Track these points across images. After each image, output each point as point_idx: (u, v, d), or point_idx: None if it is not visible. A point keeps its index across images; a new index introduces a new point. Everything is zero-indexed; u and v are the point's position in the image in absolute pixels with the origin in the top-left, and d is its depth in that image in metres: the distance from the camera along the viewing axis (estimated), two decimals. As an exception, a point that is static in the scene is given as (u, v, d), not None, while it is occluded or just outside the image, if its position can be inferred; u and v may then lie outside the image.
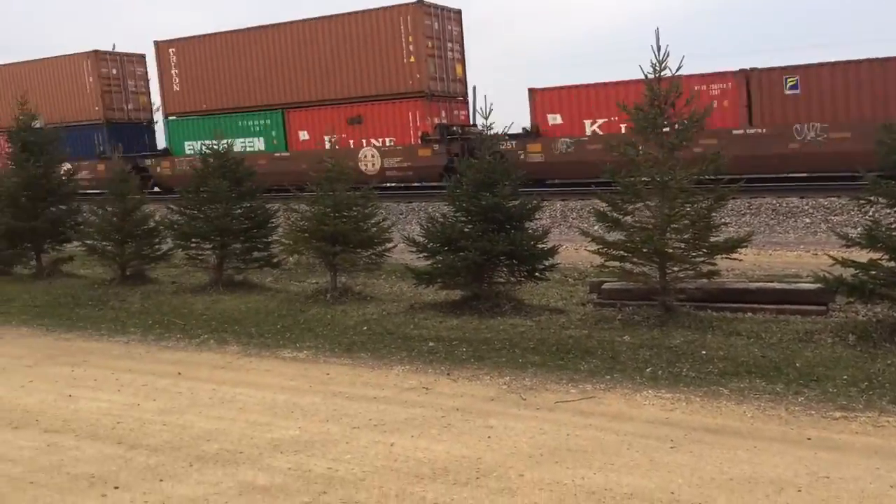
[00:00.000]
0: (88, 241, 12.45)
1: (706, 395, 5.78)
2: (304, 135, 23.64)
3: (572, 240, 13.17)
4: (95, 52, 27.41)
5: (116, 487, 4.63)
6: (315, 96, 23.23)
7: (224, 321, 9.39)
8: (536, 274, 8.98)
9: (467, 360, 7.14)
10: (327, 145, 13.87)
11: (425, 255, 9.27)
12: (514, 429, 5.36)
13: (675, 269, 7.82)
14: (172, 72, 25.69)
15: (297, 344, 8.18)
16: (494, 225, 8.69)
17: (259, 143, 24.40)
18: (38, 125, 13.85)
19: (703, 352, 6.70)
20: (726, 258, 7.86)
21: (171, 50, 25.60)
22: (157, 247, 12.37)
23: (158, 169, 25.88)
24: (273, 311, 9.82)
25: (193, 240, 11.51)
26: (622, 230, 7.91)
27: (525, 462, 4.76)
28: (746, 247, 8.01)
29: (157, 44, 25.95)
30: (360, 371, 7.07)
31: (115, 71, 27.85)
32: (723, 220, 8.81)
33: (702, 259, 7.69)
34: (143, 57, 28.48)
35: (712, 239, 7.74)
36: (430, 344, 7.71)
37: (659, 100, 7.67)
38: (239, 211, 11.32)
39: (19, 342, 8.89)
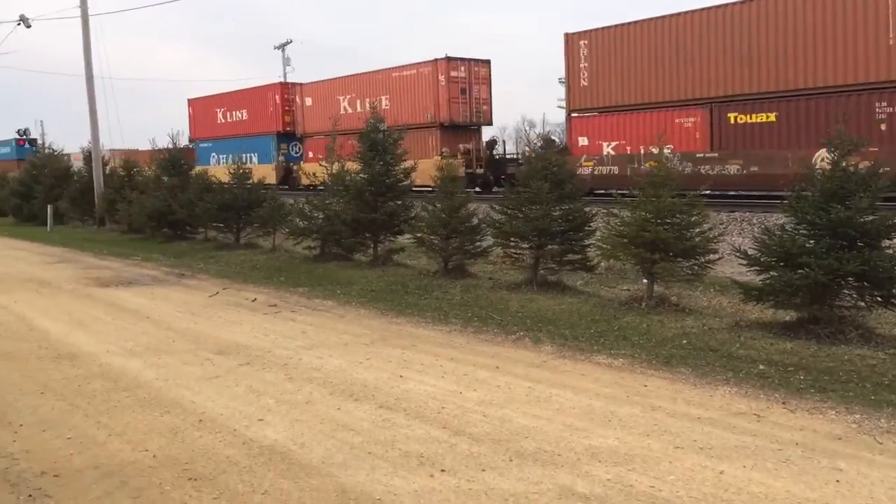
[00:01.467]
0: (418, 234, 13.42)
1: None
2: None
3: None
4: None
5: (443, 470, 4.82)
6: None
7: (538, 320, 9.50)
8: (893, 300, 7.79)
9: (805, 389, 6.38)
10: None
11: (756, 269, 8.53)
12: (868, 476, 4.63)
13: None
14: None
15: (611, 350, 7.98)
16: (843, 241, 7.71)
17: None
18: (383, 127, 15.30)
19: None
20: None
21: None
22: (477, 243, 12.96)
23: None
24: (586, 314, 9.73)
25: (512, 239, 11.86)
26: None
27: (886, 518, 4.07)
28: None
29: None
30: (680, 387, 6.67)
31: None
32: None
33: None
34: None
35: None
36: (761, 367, 7.05)
37: None
38: (558, 213, 11.41)
39: (359, 322, 9.82)
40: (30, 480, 4.72)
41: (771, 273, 8.25)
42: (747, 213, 18.33)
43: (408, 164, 15.36)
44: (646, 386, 6.71)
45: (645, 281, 10.15)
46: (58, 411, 6.11)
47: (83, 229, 26.46)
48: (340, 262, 14.93)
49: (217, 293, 12.18)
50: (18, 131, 60.32)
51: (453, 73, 29.78)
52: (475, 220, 13.01)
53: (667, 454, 5.05)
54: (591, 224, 11.59)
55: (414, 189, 16.67)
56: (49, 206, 27.36)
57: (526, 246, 11.82)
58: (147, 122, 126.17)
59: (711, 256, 9.76)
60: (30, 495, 4.51)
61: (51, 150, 33.29)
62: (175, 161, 22.30)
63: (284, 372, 7.26)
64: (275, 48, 61.39)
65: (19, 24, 30.69)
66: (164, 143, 23.05)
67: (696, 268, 9.73)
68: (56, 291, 12.57)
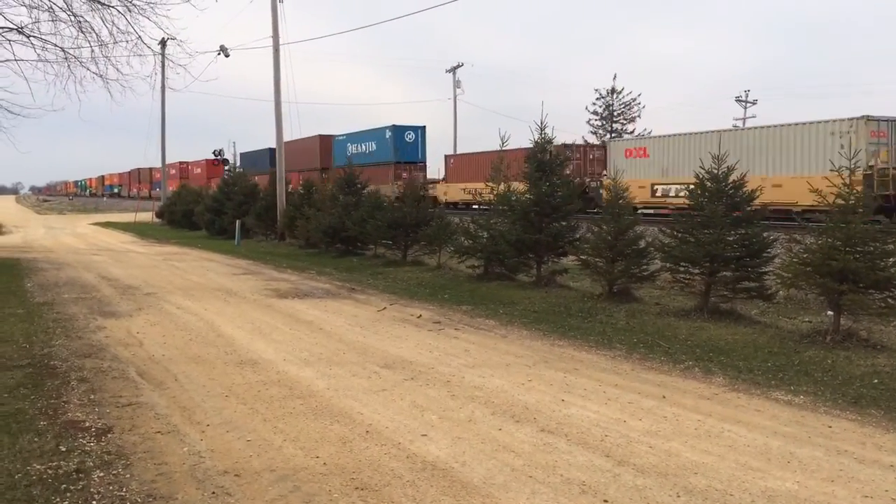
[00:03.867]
0: (583, 256, 13.24)
1: None
2: None
3: None
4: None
5: (605, 501, 4.69)
6: None
7: (709, 350, 9.06)
8: None
9: None
10: None
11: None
12: None
13: None
14: None
15: (791, 386, 7.46)
16: None
17: None
18: (550, 147, 15.28)
19: None
20: None
21: None
22: (644, 267, 12.59)
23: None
24: (762, 346, 9.17)
25: (682, 263, 11.42)
26: None
27: None
28: None
29: None
30: (870, 430, 6.11)
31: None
32: None
33: None
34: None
35: None
36: (967, 414, 6.32)
37: None
38: (732, 238, 10.86)
39: (521, 342, 9.80)
40: (214, 478, 5.08)
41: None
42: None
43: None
44: (830, 427, 6.20)
45: (830, 313, 9.41)
46: (240, 414, 6.54)
47: (266, 243, 28.37)
48: (503, 282, 15.01)
49: (385, 308, 12.62)
50: (214, 152, 65.74)
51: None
52: (642, 243, 12.66)
53: (853, 503, 4.63)
54: (770, 250, 10.93)
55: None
56: (237, 221, 29.56)
57: (697, 271, 11.34)
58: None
59: (909, 288, 8.89)
60: (213, 493, 4.85)
61: (240, 170, 36.00)
62: (350, 180, 23.41)
63: (447, 389, 7.38)
64: (446, 71, 62.92)
65: (219, 54, 33.58)
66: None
67: (890, 300, 8.90)
68: (241, 301, 13.53)
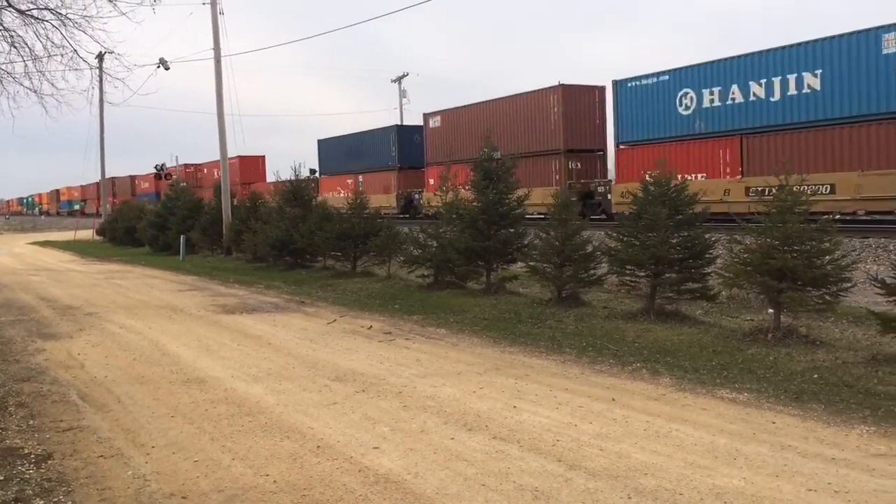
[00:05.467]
0: (532, 263, 13.34)
1: None
2: None
3: None
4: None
5: (558, 506, 4.71)
6: None
7: (656, 351, 9.21)
8: None
9: (956, 431, 5.87)
10: None
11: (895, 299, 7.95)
12: None
13: None
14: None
15: (735, 384, 7.62)
16: None
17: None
18: (497, 155, 15.38)
19: None
20: None
21: None
22: (591, 271, 12.74)
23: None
24: (707, 345, 9.35)
25: (628, 266, 11.59)
26: None
27: None
28: None
29: None
30: (812, 425, 6.27)
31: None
32: None
33: None
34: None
35: None
36: (903, 405, 6.54)
37: None
38: (676, 240, 11.08)
39: (472, 350, 9.82)
40: (159, 502, 4.95)
41: (913, 303, 7.67)
42: (883, 240, 17.18)
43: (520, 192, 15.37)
44: (774, 423, 6.35)
45: (770, 311, 9.66)
46: (186, 434, 6.40)
47: (212, 258, 27.89)
48: (453, 290, 15.03)
49: (335, 320, 12.51)
50: (156, 167, 64.48)
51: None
52: (589, 248, 12.81)
53: (798, 497, 4.75)
54: (712, 251, 11.17)
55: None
56: (182, 236, 29.02)
57: (642, 274, 11.53)
58: (274, 155, 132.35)
59: (844, 285, 9.18)
60: (160, 515, 4.72)
61: (184, 184, 35.38)
62: (297, 192, 23.19)
63: (399, 400, 7.34)
64: (392, 81, 62.97)
65: (159, 67, 32.97)
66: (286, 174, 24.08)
67: (827, 297, 9.18)
68: (186, 318, 13.27)
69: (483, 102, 34.83)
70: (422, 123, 38.99)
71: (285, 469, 5.46)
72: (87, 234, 48.18)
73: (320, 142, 48.15)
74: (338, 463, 5.56)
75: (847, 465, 5.29)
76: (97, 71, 24.69)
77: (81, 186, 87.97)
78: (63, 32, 12.27)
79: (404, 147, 40.28)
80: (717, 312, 11.64)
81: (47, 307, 14.96)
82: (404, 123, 47.75)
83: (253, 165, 56.70)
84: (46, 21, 12.17)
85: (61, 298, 16.38)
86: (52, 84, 13.19)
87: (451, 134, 35.97)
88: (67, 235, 49.70)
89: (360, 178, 42.34)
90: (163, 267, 24.79)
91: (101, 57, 23.59)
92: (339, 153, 45.66)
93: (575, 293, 12.87)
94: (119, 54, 19.90)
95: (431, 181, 36.66)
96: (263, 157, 57.74)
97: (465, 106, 36.14)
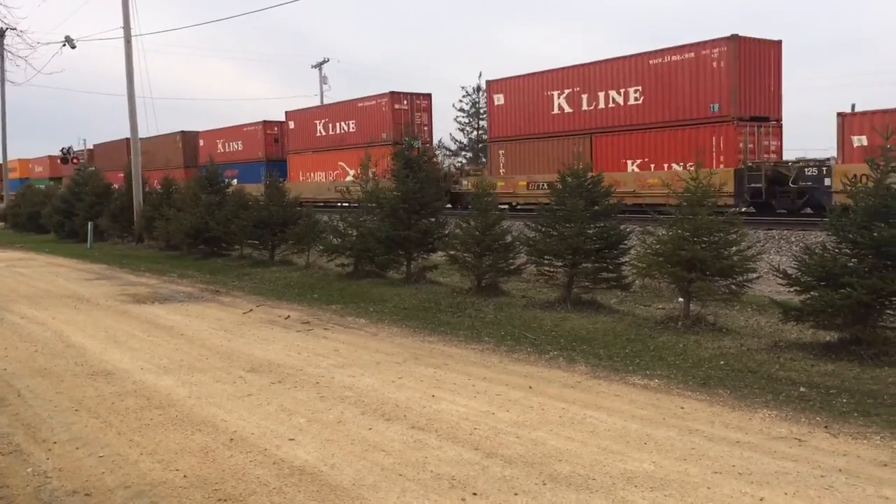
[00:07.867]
0: (452, 252, 13.38)
1: None
2: None
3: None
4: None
5: (475, 494, 4.73)
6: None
7: (572, 339, 9.39)
8: (941, 321, 7.55)
9: (849, 413, 6.19)
10: None
11: (796, 289, 8.32)
12: (917, 506, 4.45)
13: None
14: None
15: (646, 371, 7.84)
16: (888, 261, 7.49)
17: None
18: (417, 144, 15.35)
19: None
20: None
21: None
22: (511, 261, 12.87)
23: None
24: (621, 333, 9.59)
25: (546, 256, 11.76)
26: None
27: (938, 552, 3.89)
28: None
29: None
30: (718, 409, 6.50)
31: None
32: None
33: None
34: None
35: None
36: (801, 389, 6.86)
37: None
38: (592, 231, 11.30)
39: (391, 340, 9.78)
40: (61, 499, 4.73)
41: (811, 293, 8.05)
42: (785, 232, 17.97)
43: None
44: (682, 408, 6.56)
45: (681, 300, 9.98)
46: (91, 429, 6.14)
47: (122, 246, 26.91)
48: (373, 280, 14.94)
49: (251, 310, 12.25)
50: (62, 149, 61.71)
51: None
52: (509, 238, 12.94)
53: (705, 479, 4.91)
54: (627, 242, 11.45)
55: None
56: (90, 223, 27.87)
57: (560, 264, 11.72)
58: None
59: (749, 275, 9.56)
60: (62, 514, 4.52)
61: (92, 169, 33.96)
62: (212, 178, 22.58)
63: (316, 391, 7.24)
64: (312, 67, 61.89)
65: (64, 46, 31.50)
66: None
67: (733, 287, 9.54)
68: (93, 308, 12.75)
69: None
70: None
71: (196, 463, 5.30)
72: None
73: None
74: (252, 456, 5.44)
75: (750, 447, 5.51)
76: (-3, 48, 23.39)
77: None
78: (-42, 6, 11.54)
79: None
80: (630, 301, 11.95)
81: (-59, 297, 14.13)
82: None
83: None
84: (-61, -8, 11.42)
85: (-43, 288, 15.49)
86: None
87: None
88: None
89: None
90: (69, 255, 23.77)
91: (1, 33, 22.33)
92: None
93: (494, 283, 12.98)
94: (21, 31, 18.87)
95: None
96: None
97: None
